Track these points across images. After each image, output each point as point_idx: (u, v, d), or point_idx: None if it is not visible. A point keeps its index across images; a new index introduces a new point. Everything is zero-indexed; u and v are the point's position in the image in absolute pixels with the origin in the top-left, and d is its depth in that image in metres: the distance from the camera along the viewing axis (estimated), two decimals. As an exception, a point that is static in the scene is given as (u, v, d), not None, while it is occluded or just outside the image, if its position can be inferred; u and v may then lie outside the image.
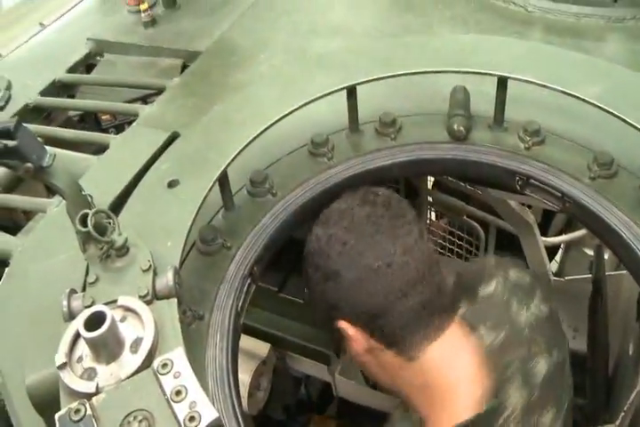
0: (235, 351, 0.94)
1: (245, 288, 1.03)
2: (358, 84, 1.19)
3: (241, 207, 1.17)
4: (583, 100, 1.08)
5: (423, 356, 1.03)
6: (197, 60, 1.68)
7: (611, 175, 1.10)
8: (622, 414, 1.31)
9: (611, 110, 1.05)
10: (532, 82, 1.11)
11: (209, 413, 0.66)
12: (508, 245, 1.92)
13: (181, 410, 0.67)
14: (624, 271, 1.57)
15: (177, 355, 0.72)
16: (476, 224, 2.02)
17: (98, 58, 1.84)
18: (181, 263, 1.08)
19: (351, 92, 1.21)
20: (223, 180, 1.14)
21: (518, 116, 1.25)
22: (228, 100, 1.25)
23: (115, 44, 1.82)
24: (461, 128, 1.20)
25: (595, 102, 1.07)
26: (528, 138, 1.18)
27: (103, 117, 1.71)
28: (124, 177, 1.14)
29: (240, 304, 1.00)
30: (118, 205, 1.09)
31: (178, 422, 0.66)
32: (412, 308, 1.00)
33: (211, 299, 1.01)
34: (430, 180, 2.24)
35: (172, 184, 1.06)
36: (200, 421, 0.66)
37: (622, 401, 1.32)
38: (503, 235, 1.92)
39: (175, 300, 0.82)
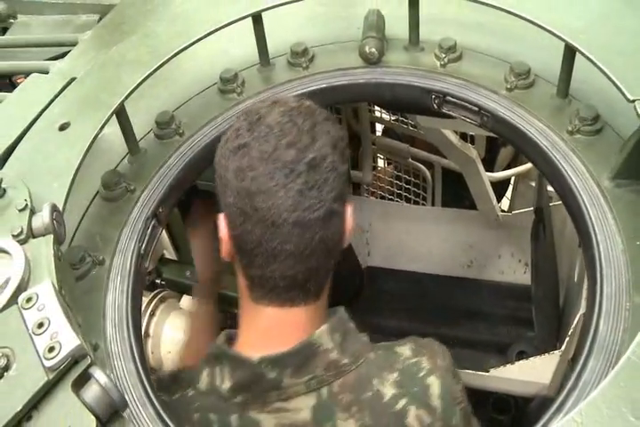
0: (136, 294, 0.89)
1: (150, 230, 0.97)
2: (263, 10, 1.12)
3: (147, 151, 1.10)
4: (496, 7, 1.02)
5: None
6: (111, 12, 1.59)
7: (528, 85, 1.04)
8: (567, 339, 1.28)
9: (522, 14, 0.99)
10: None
11: (70, 342, 0.61)
12: (454, 184, 1.87)
13: (42, 342, 0.62)
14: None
15: (43, 288, 0.67)
16: (421, 166, 1.97)
17: (11, 20, 1.74)
18: (85, 211, 1.03)
19: (257, 19, 1.14)
20: (125, 123, 1.07)
21: (436, 36, 1.19)
22: (125, 40, 1.18)
23: (27, 3, 1.72)
24: (373, 50, 1.13)
25: (508, 9, 1.01)
26: (444, 55, 1.12)
27: (19, 80, 1.62)
28: (18, 125, 1.07)
29: (143, 247, 0.94)
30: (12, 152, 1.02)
31: (38, 354, 0.61)
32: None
33: (113, 244, 0.95)
34: (379, 130, 2.20)
35: (63, 127, 1.00)
36: (60, 350, 0.60)
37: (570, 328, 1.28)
38: (449, 174, 1.87)
39: (51, 236, 0.76)
